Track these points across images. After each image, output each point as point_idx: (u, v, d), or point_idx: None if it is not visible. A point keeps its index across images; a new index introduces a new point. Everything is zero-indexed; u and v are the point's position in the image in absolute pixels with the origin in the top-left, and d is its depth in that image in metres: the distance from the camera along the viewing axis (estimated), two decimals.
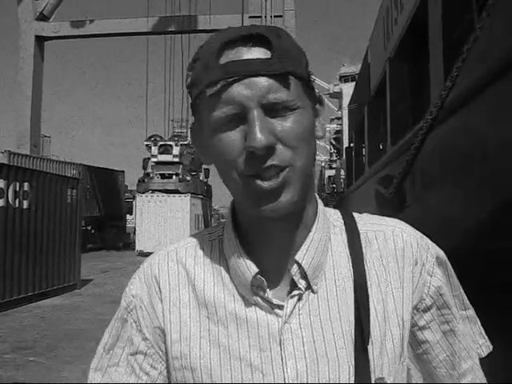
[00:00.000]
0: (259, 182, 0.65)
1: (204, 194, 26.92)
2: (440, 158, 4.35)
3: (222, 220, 0.85)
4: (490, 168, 3.16)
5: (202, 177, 27.87)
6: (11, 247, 8.76)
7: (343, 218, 0.78)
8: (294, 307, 0.70)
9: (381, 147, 9.14)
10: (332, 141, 44.45)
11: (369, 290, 0.72)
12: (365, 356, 0.69)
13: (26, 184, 9.24)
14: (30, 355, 5.82)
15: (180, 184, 24.04)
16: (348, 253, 0.74)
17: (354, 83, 21.02)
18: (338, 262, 0.74)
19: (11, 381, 4.90)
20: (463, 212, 3.65)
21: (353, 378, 0.67)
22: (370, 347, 0.69)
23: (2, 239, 8.55)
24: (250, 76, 0.64)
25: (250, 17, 15.49)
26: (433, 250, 0.78)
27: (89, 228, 23.25)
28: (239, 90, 0.64)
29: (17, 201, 8.97)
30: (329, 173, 39.13)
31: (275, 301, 0.70)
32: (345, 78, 43.18)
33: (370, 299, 0.71)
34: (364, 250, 0.75)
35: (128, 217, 28.41)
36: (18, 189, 8.98)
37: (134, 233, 23.04)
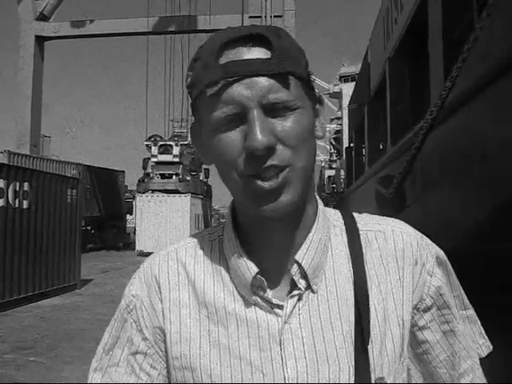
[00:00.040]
0: (259, 182, 0.65)
1: (204, 194, 26.91)
2: (440, 158, 4.36)
3: (222, 220, 0.85)
4: (490, 168, 3.16)
5: (202, 177, 27.87)
6: (11, 247, 8.76)
7: (343, 218, 0.78)
8: (294, 307, 0.70)
9: (381, 147, 9.14)
10: (332, 141, 44.42)
11: (369, 290, 0.72)
12: (365, 356, 0.68)
13: (25, 184, 9.23)
14: (30, 355, 5.81)
15: (180, 184, 24.03)
16: (348, 253, 0.74)
17: (353, 83, 21.02)
18: (338, 262, 0.73)
19: (12, 381, 4.90)
20: (463, 212, 3.65)
21: (353, 378, 0.67)
22: (369, 347, 0.69)
23: (2, 239, 8.55)
24: (250, 76, 0.64)
25: (250, 17, 15.48)
26: (433, 250, 0.78)
27: (89, 228, 23.23)
28: (239, 89, 0.64)
29: (17, 201, 8.96)
30: (329, 173, 39.14)
31: (275, 301, 0.70)
32: (345, 78, 43.17)
33: (370, 299, 0.71)
34: (364, 250, 0.74)
35: (128, 217, 28.43)
36: (17, 189, 8.98)
37: (134, 233, 23.04)
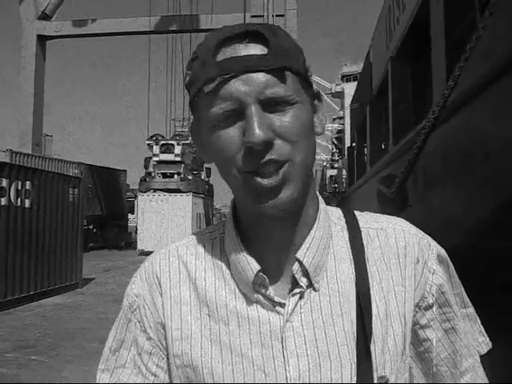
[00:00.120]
0: (259, 179, 0.65)
1: (206, 192, 26.93)
2: (442, 158, 4.35)
3: (224, 219, 0.85)
4: (493, 167, 3.16)
5: (203, 176, 27.88)
6: (13, 246, 8.77)
7: (345, 216, 0.78)
8: (296, 305, 0.70)
9: (383, 147, 9.13)
10: (334, 140, 44.38)
11: (370, 288, 0.72)
12: (367, 354, 0.68)
13: (27, 183, 9.24)
14: (31, 354, 5.82)
15: (182, 183, 24.05)
16: (349, 250, 0.74)
17: (355, 83, 21.00)
18: (339, 259, 0.73)
19: (14, 380, 4.91)
20: (465, 211, 3.65)
21: (355, 375, 0.67)
22: (371, 345, 0.69)
23: (4, 238, 8.56)
24: (247, 72, 0.64)
25: (252, 16, 15.46)
26: (434, 248, 0.78)
27: (91, 227, 23.28)
28: (236, 86, 0.64)
29: (19, 200, 8.98)
30: (331, 172, 39.04)
31: (277, 298, 0.70)
32: (347, 78, 43.08)
33: (372, 297, 0.71)
34: (366, 248, 0.74)
35: (130, 216, 28.47)
36: (20, 188, 8.99)
37: (136, 232, 23.09)
